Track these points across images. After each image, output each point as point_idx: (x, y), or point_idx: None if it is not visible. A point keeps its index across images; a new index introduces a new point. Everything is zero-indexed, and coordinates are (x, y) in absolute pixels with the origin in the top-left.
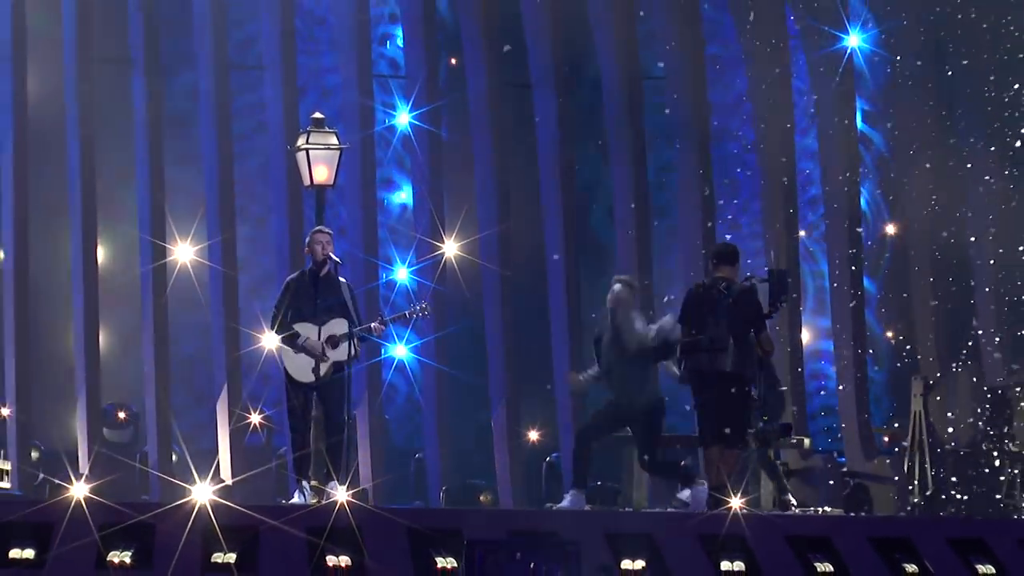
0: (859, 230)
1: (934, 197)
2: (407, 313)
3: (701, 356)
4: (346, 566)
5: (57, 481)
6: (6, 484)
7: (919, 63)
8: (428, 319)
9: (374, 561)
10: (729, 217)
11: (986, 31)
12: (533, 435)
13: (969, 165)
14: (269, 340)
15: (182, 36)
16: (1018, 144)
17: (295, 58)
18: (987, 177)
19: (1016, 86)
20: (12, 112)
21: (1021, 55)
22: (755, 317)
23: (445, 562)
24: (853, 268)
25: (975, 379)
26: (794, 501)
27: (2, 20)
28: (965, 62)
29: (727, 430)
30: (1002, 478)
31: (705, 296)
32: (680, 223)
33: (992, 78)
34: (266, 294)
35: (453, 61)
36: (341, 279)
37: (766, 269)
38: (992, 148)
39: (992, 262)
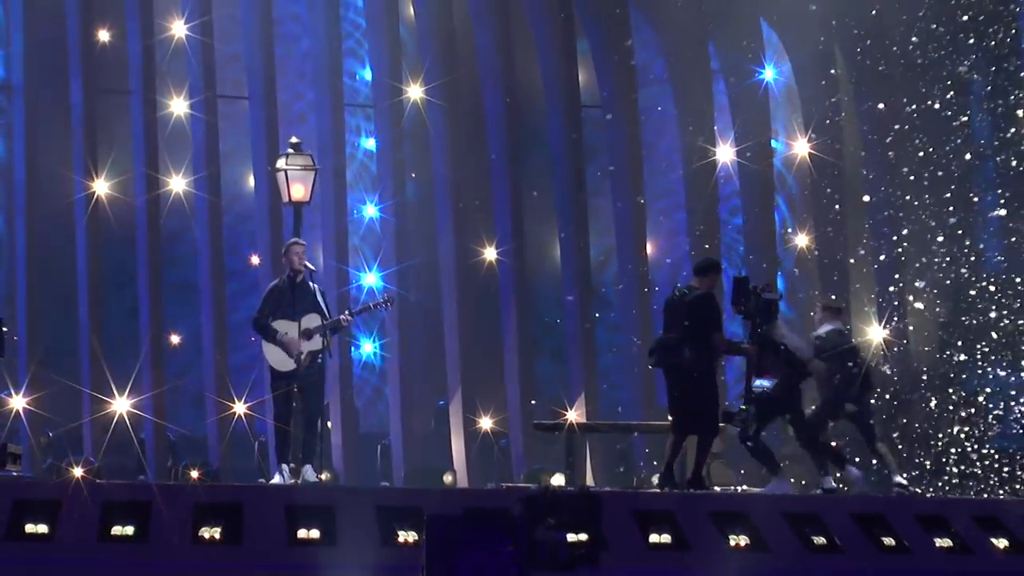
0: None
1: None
2: (371, 305)
3: (666, 352)
4: (319, 538)
5: (63, 464)
6: (18, 467)
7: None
8: (389, 312)
9: (345, 535)
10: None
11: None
12: (486, 423)
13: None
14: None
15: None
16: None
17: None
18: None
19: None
20: None
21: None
22: (708, 320)
23: (407, 535)
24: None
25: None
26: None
27: None
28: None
29: (683, 416)
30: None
31: (674, 302)
32: (618, 242)
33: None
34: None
35: (413, 175)
36: (313, 284)
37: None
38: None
39: (875, 267)
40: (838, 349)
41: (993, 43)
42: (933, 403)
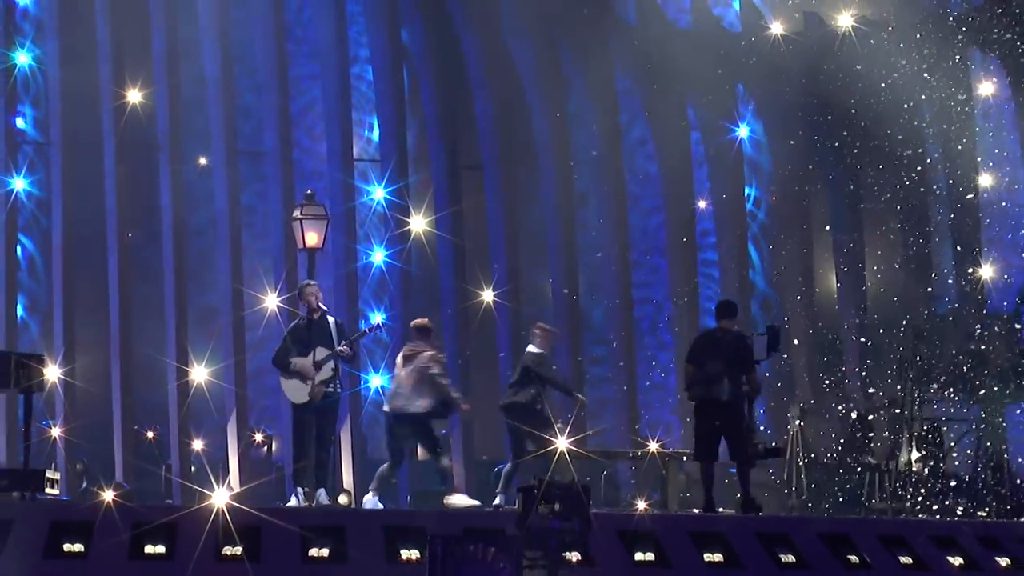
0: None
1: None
2: (366, 330)
3: (708, 387)
4: (330, 556)
5: (96, 489)
6: (56, 491)
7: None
8: (381, 333)
9: (354, 552)
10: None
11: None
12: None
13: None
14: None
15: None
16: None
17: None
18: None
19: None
20: None
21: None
22: (748, 359)
23: (410, 553)
24: (746, 318)
25: (840, 405)
26: None
27: None
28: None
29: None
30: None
31: (712, 341)
32: (603, 280)
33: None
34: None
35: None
36: (330, 318)
37: (765, 325)
38: (853, 213)
39: (852, 311)
40: None
41: (945, 95)
42: (891, 432)
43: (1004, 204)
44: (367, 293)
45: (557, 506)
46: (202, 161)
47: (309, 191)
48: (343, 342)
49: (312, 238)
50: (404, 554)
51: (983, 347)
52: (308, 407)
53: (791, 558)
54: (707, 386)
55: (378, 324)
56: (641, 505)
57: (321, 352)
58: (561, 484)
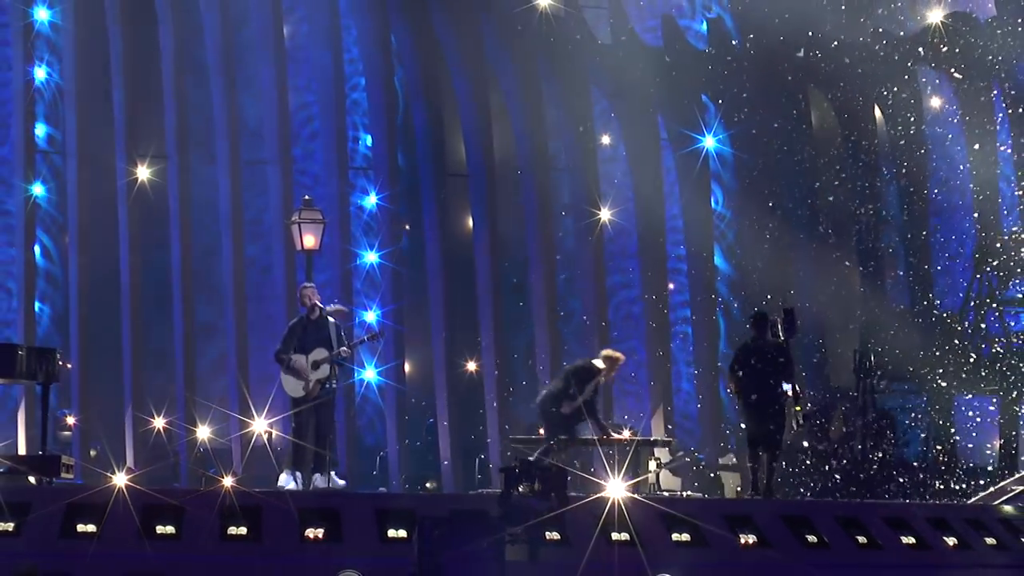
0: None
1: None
2: (366, 337)
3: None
4: (325, 537)
5: (108, 473)
6: (71, 476)
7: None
8: (381, 343)
9: (348, 533)
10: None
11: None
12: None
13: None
14: None
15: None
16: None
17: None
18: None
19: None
20: None
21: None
22: (790, 363)
23: (397, 533)
24: (712, 318)
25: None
26: None
27: None
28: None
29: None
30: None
31: (757, 349)
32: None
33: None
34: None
35: (407, 227)
36: (329, 318)
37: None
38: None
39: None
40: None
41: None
42: (848, 421)
43: (951, 209)
44: (360, 290)
45: (536, 485)
46: None
47: (307, 196)
48: (344, 346)
49: (309, 240)
50: (396, 534)
51: (934, 343)
52: (305, 400)
53: (752, 538)
54: (755, 391)
55: (378, 332)
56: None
57: (321, 353)
58: (540, 465)
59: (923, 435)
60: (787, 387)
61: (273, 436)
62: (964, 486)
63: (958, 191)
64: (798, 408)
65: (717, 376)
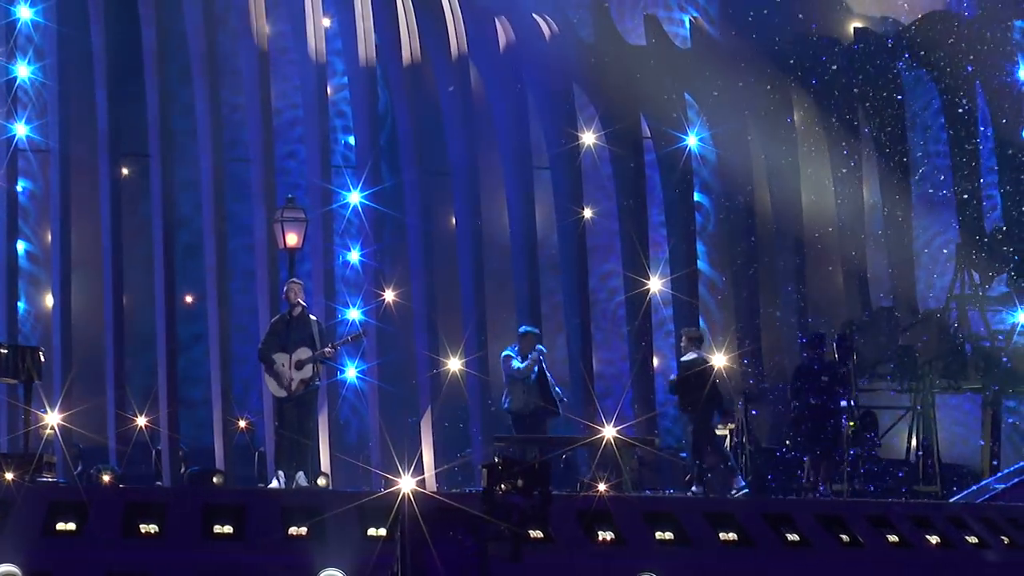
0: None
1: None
2: (349, 338)
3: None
4: (308, 534)
5: (91, 472)
6: (52, 474)
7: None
8: (364, 343)
9: (330, 531)
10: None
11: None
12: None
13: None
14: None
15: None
16: None
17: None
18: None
19: None
20: None
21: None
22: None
23: (379, 532)
24: (696, 319)
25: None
26: None
27: None
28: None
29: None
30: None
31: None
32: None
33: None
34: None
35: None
36: (312, 316)
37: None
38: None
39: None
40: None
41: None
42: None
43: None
44: (342, 288)
45: (519, 482)
46: None
47: (289, 196)
48: (328, 345)
49: (292, 238)
50: (378, 531)
51: (916, 342)
52: (288, 399)
53: (733, 536)
54: (815, 404)
55: (361, 332)
56: (601, 487)
57: (304, 352)
58: (522, 462)
59: (906, 434)
60: (843, 404)
61: (255, 435)
62: (947, 485)
63: (942, 188)
64: (852, 424)
65: None
